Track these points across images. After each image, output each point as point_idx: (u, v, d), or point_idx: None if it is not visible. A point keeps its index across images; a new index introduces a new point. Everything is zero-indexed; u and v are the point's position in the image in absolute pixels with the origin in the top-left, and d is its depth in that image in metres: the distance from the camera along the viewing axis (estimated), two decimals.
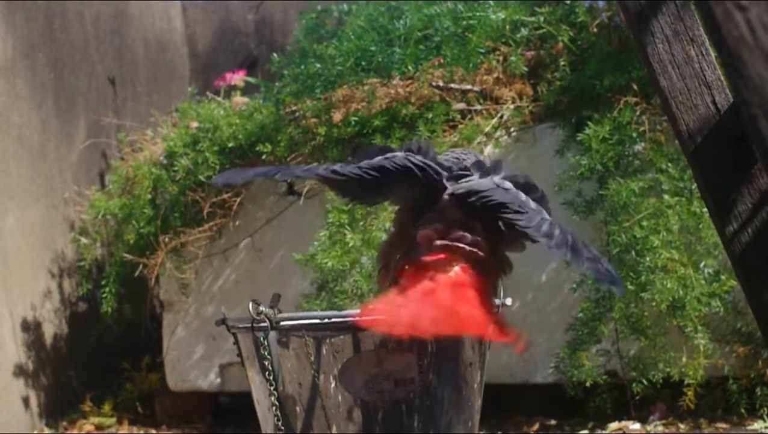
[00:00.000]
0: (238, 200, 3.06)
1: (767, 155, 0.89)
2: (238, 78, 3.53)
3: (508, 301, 1.73)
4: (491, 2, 2.96)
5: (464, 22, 2.96)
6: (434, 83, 2.91)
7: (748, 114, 0.89)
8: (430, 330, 1.50)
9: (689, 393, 2.57)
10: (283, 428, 1.65)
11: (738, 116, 1.24)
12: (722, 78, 1.35)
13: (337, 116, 2.88)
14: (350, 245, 2.70)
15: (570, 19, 2.96)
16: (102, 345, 3.51)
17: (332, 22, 3.41)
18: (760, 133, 0.88)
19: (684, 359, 2.58)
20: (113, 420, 3.30)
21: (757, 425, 2.58)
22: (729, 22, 0.87)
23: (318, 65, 3.06)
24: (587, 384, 2.64)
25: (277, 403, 1.65)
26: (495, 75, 2.93)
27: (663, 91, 1.39)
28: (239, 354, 1.73)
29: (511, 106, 2.90)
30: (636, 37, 1.39)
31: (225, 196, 3.06)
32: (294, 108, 3.03)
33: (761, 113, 0.87)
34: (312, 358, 1.62)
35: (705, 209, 2.45)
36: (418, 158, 1.54)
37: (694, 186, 2.52)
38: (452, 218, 1.54)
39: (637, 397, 2.67)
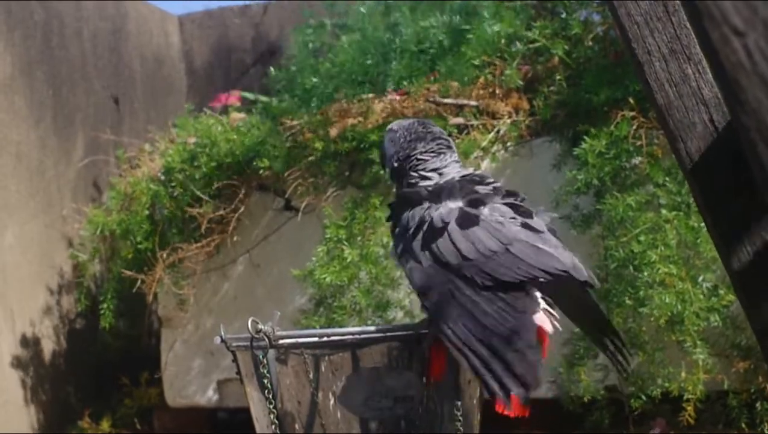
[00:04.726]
0: (236, 215, 3.06)
1: (766, 179, 0.89)
2: (233, 99, 3.54)
3: None
4: (486, 16, 2.96)
5: (459, 36, 2.96)
6: (430, 98, 2.91)
7: (746, 139, 0.89)
8: None
9: (689, 408, 2.55)
10: None
11: (736, 133, 1.23)
12: (719, 96, 1.35)
13: (333, 131, 2.88)
14: (348, 260, 2.69)
15: (565, 33, 2.95)
16: (100, 360, 3.50)
17: (327, 37, 3.41)
18: (759, 157, 0.88)
19: (683, 374, 2.57)
20: None
21: None
22: (726, 48, 0.87)
23: (314, 80, 3.06)
24: (585, 399, 2.63)
25: (276, 421, 1.65)
26: (491, 89, 2.92)
27: (660, 109, 1.38)
28: (238, 372, 1.73)
29: (508, 121, 2.89)
30: (632, 56, 1.39)
31: (222, 212, 3.06)
32: (291, 123, 3.03)
33: (759, 138, 0.87)
34: (311, 375, 1.62)
35: (703, 224, 2.44)
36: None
37: (692, 200, 2.50)
38: None
39: (636, 412, 2.65)
